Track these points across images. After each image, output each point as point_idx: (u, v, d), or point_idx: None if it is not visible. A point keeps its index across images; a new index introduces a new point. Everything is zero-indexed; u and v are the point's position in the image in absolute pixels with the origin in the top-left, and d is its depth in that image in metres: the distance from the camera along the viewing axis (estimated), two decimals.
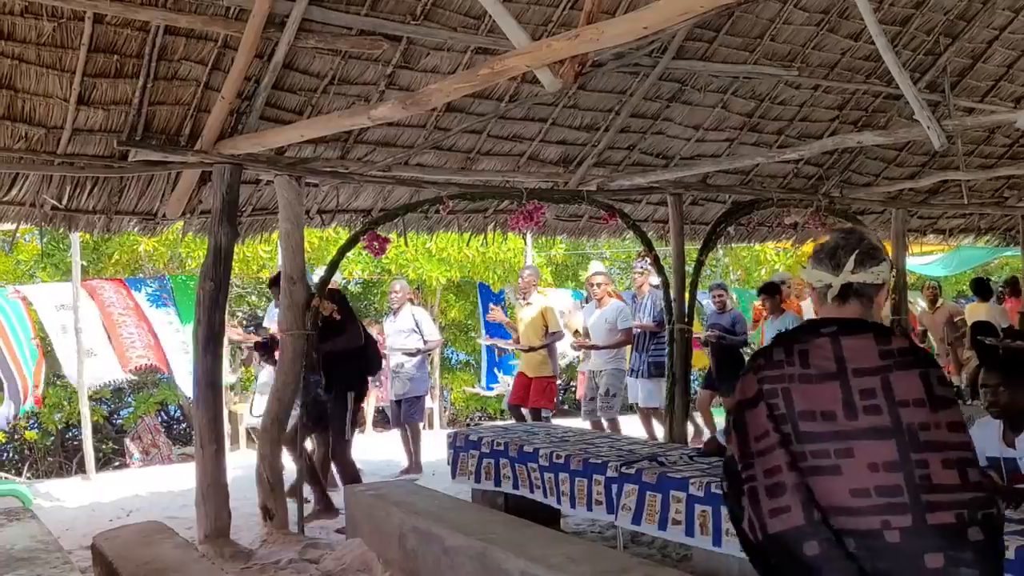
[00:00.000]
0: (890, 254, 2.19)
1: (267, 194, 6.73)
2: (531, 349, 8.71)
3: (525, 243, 14.14)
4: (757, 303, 10.21)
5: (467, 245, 10.72)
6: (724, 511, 4.18)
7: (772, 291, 8.64)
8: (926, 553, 1.81)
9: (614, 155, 7.82)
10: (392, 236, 6.98)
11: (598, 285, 8.76)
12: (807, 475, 1.89)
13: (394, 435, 9.76)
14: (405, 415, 8.69)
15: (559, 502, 5.33)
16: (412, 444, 8.60)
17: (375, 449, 9.78)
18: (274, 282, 6.77)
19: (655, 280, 9.39)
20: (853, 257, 2.05)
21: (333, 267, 6.55)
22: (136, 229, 6.60)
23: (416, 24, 5.86)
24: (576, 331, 10.09)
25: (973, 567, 1.80)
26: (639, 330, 8.77)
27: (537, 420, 8.69)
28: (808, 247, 10.17)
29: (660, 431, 8.57)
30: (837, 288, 2.07)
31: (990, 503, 1.86)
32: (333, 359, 6.44)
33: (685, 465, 4.83)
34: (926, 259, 14.82)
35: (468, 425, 12.87)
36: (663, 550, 5.44)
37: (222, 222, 5.84)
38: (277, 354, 6.45)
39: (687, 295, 7.94)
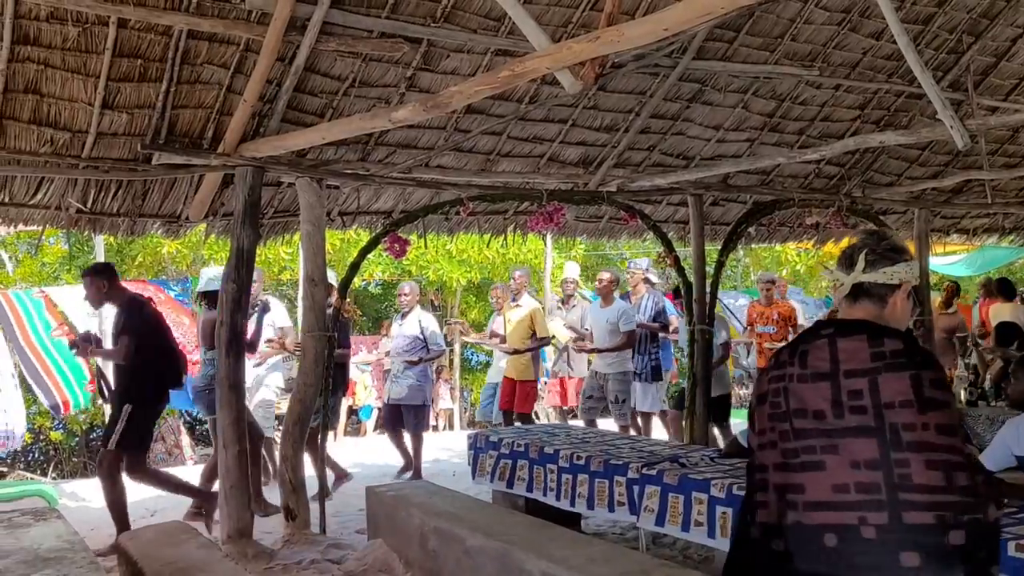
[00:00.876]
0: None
1: (289, 196, 6.77)
2: (515, 352, 8.65)
3: (545, 244, 14.16)
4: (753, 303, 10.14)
5: (487, 247, 10.74)
6: None
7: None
8: (902, 551, 1.83)
9: (634, 156, 7.81)
10: (412, 238, 7.01)
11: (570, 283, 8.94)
12: (799, 471, 1.97)
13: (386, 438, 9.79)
14: (409, 425, 8.44)
15: (573, 504, 5.34)
16: (414, 452, 8.45)
17: (374, 452, 9.77)
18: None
19: (654, 278, 9.38)
20: (863, 256, 2.10)
21: (354, 269, 6.58)
22: (160, 231, 6.65)
23: (436, 26, 5.87)
24: (554, 336, 10.04)
25: (954, 570, 1.81)
26: (641, 331, 8.68)
27: (527, 424, 8.66)
28: (831, 247, 10.13)
29: (658, 435, 8.54)
30: (847, 287, 2.13)
31: (977, 508, 1.86)
32: (119, 369, 6.19)
33: (707, 466, 4.82)
34: (949, 259, 14.71)
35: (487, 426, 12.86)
36: (685, 552, 5.43)
37: (244, 224, 5.88)
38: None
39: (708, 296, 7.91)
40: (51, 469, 13.63)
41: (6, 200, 5.75)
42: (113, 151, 5.71)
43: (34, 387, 9.59)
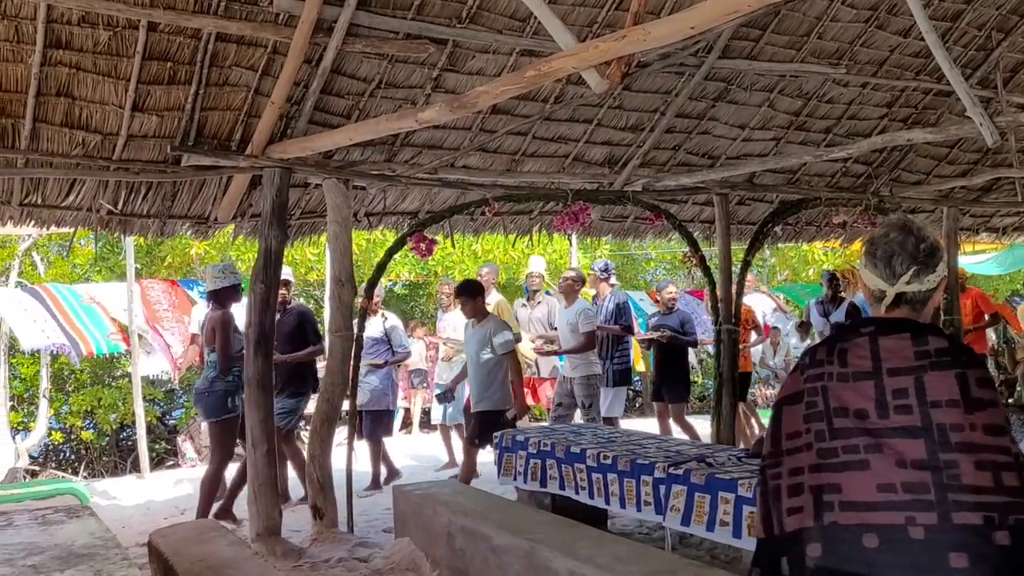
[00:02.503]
0: None
1: (316, 197, 6.82)
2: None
3: (570, 244, 14.15)
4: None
5: (512, 247, 10.74)
6: None
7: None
8: (950, 552, 1.80)
9: (659, 155, 7.80)
10: (439, 238, 7.04)
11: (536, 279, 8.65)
12: (839, 470, 1.91)
13: (431, 437, 9.74)
14: (366, 429, 8.03)
15: (608, 502, 5.33)
16: (372, 460, 8.17)
17: (400, 451, 9.77)
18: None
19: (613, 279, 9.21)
20: (910, 272, 2.03)
21: (380, 269, 6.62)
22: (189, 233, 6.71)
23: (461, 27, 5.90)
24: (537, 354, 9.61)
25: (999, 571, 1.79)
26: (602, 334, 8.37)
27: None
28: (858, 245, 10.02)
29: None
30: (891, 298, 2.07)
31: None
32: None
33: (733, 466, 4.80)
34: (979, 258, 14.54)
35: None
36: (711, 552, 5.42)
37: (272, 225, 5.94)
38: None
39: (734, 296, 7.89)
40: (82, 468, 13.79)
41: (39, 202, 5.84)
42: (143, 153, 5.78)
43: (66, 343, 9.85)
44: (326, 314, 10.16)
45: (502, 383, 6.82)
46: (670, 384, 8.71)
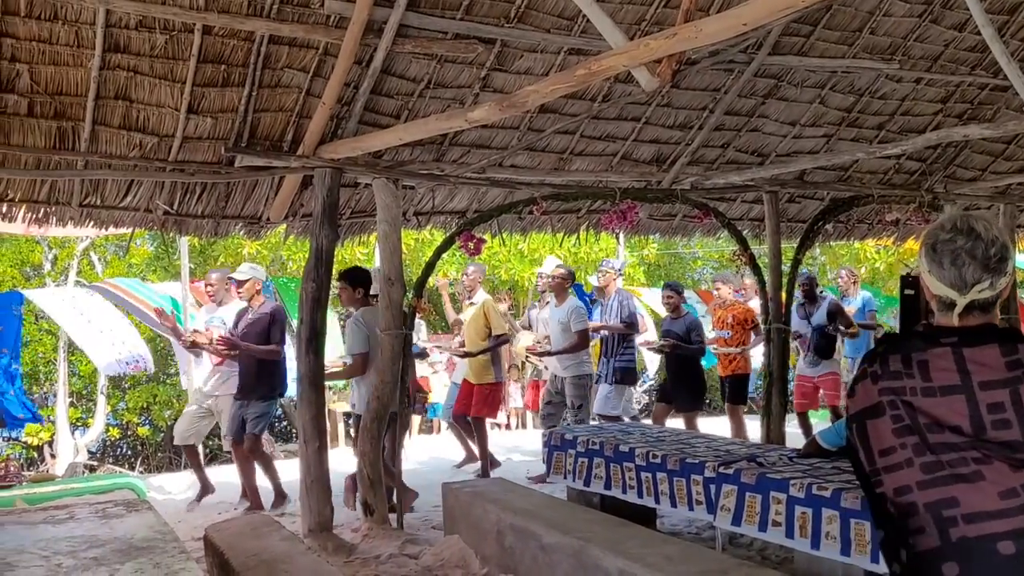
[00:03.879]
0: None
1: (365, 197, 6.89)
2: (467, 355, 8.06)
3: (617, 243, 14.12)
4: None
5: (559, 246, 10.74)
6: (825, 513, 4.12)
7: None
8: None
9: (708, 153, 7.75)
10: (486, 237, 7.06)
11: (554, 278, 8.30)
12: (950, 483, 1.82)
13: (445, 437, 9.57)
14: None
15: (656, 502, 5.31)
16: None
17: (447, 449, 9.78)
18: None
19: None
20: (985, 283, 1.93)
21: (430, 268, 6.66)
22: (242, 232, 6.83)
23: (510, 27, 5.92)
24: (526, 356, 9.57)
25: None
26: (606, 333, 8.25)
27: (480, 432, 8.06)
28: (911, 244, 9.79)
29: None
30: (962, 307, 1.94)
31: None
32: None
33: (785, 466, 4.77)
34: None
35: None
36: (762, 552, 5.38)
37: (323, 225, 6.01)
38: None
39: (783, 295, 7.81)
40: (138, 463, 14.08)
41: (98, 203, 5.98)
42: (198, 154, 5.89)
43: (141, 356, 10.10)
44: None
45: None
46: (679, 391, 8.52)
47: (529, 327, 9.24)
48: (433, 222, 7.48)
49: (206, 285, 8.53)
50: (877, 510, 1.93)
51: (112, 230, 6.53)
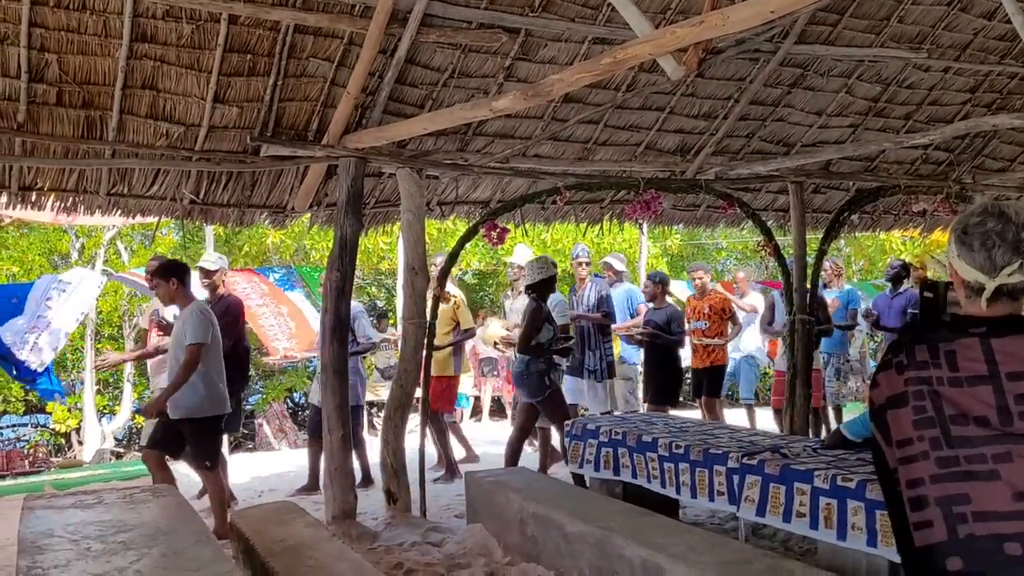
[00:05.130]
0: None
1: (389, 186, 6.90)
2: (435, 348, 7.25)
3: (641, 233, 14.07)
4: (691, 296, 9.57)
5: (583, 235, 10.71)
6: (850, 505, 4.10)
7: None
8: None
9: (733, 143, 7.71)
10: (510, 226, 7.05)
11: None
12: (963, 480, 1.81)
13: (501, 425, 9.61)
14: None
15: (679, 492, 5.30)
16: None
17: (472, 439, 9.77)
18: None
19: (619, 265, 9.01)
20: (1014, 265, 1.90)
21: (453, 257, 6.67)
22: (267, 222, 6.86)
23: (534, 16, 5.91)
24: (495, 342, 9.54)
25: None
26: (585, 323, 8.07)
27: (437, 425, 7.83)
28: (939, 235, 9.66)
29: None
30: (991, 291, 1.92)
31: None
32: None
33: (809, 457, 4.74)
34: None
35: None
36: (786, 543, 5.36)
37: (347, 214, 6.03)
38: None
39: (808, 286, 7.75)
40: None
41: (125, 192, 6.02)
42: (224, 144, 5.93)
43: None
44: (398, 302, 10.23)
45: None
46: (652, 384, 8.46)
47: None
48: (457, 212, 7.49)
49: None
50: (891, 500, 1.92)
51: (139, 219, 6.57)
